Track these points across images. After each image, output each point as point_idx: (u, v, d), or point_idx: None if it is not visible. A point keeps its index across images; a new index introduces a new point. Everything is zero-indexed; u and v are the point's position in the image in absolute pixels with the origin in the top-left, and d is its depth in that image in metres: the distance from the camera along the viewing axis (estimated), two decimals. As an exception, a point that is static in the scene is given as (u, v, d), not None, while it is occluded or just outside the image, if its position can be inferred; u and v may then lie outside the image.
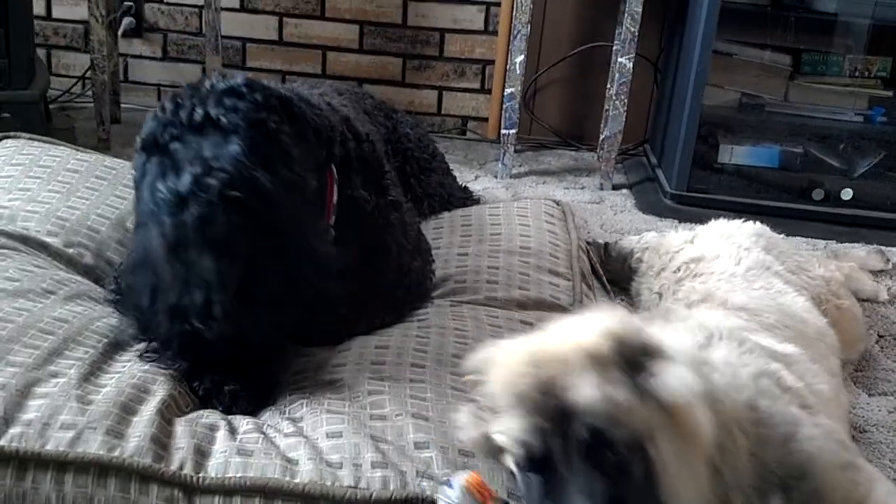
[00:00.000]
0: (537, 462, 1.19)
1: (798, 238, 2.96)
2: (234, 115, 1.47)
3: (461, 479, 1.23)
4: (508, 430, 1.21)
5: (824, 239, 3.06)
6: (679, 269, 2.09)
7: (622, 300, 2.39)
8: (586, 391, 1.16)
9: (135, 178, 1.52)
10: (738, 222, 2.26)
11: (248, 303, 1.45)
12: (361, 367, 1.55)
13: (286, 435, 1.37)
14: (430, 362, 1.59)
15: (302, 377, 1.55)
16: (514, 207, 2.39)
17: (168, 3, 3.82)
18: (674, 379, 1.19)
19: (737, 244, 2.10)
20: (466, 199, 2.64)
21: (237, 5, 3.77)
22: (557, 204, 2.47)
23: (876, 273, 2.77)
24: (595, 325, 1.25)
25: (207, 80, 1.56)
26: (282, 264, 1.49)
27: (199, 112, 1.47)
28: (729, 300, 1.82)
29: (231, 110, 1.48)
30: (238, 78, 1.56)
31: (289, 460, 1.31)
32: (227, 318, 1.42)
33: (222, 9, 3.42)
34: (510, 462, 1.27)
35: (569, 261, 2.16)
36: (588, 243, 2.53)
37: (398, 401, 1.46)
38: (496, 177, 3.40)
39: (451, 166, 2.76)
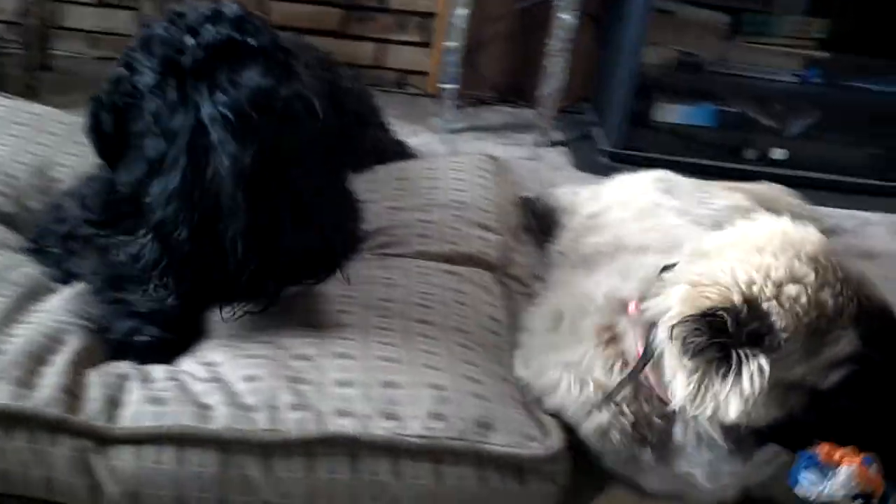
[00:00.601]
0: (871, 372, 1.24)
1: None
2: (261, 37, 1.43)
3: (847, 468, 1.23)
4: (839, 353, 1.24)
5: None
6: (578, 227, 2.11)
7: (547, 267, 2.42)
8: None
9: (154, 107, 1.44)
10: (640, 173, 2.28)
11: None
12: (284, 315, 1.54)
13: (201, 380, 1.36)
14: (357, 308, 1.60)
15: (221, 325, 1.53)
16: (449, 162, 2.39)
17: (101, -52, 3.70)
18: None
19: (630, 192, 2.13)
20: (402, 153, 2.61)
21: (173, -50, 3.66)
22: (493, 159, 2.47)
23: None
24: None
25: (194, 7, 1.50)
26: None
27: (219, 34, 1.42)
28: (622, 245, 1.84)
29: (252, 34, 1.43)
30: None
31: (203, 406, 1.31)
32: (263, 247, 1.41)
33: (158, -45, 3.32)
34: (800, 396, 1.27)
35: (499, 215, 2.16)
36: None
37: (321, 343, 1.47)
38: (435, 132, 3.38)
39: (390, 121, 2.74)
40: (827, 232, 2.84)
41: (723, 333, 1.25)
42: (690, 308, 1.29)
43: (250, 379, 1.37)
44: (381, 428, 1.32)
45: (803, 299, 1.23)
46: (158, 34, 1.46)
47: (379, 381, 1.39)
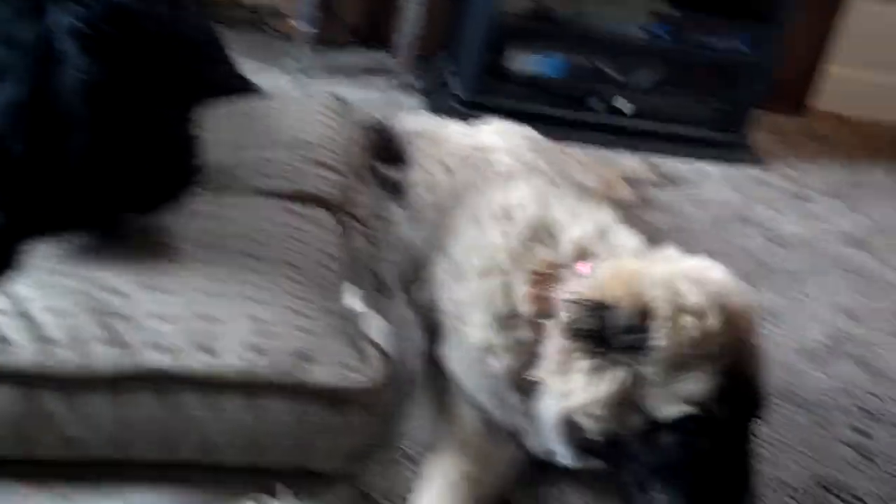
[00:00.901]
0: (708, 426, 1.22)
1: (578, 146, 3.10)
2: None
3: None
4: (693, 389, 1.22)
5: (604, 147, 3.21)
6: (465, 153, 2.13)
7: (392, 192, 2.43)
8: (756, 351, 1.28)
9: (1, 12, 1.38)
10: (512, 124, 2.34)
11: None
12: (98, 248, 1.50)
13: (5, 313, 1.30)
14: (182, 241, 1.56)
15: (31, 257, 1.48)
16: (294, 101, 2.36)
17: None
18: None
19: (514, 143, 2.18)
20: (247, 89, 2.55)
21: None
22: (339, 100, 2.45)
23: (648, 184, 2.97)
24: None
25: None
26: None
27: None
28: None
29: None
30: None
31: (5, 340, 1.26)
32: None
33: None
34: (639, 422, 1.26)
35: (340, 154, 2.15)
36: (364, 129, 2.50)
37: (135, 274, 1.43)
38: (288, 73, 3.33)
39: (242, 60, 2.67)
40: (668, 181, 3.02)
41: (609, 331, 1.27)
42: (599, 293, 1.31)
43: (57, 312, 1.32)
44: (194, 361, 1.31)
45: (692, 334, 1.24)
46: None
47: (196, 314, 1.37)
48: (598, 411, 1.26)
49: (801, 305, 2.37)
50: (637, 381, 1.24)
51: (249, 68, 2.85)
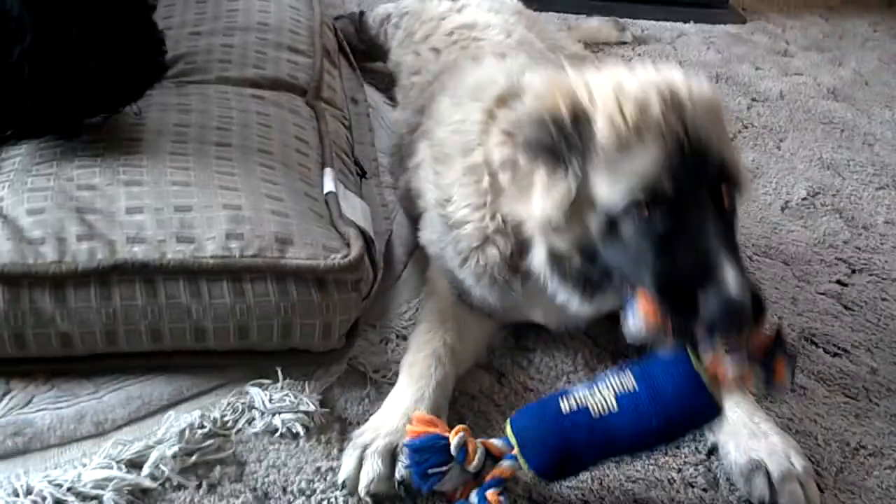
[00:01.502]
0: (664, 200, 1.21)
1: (551, 13, 3.04)
2: None
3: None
4: (637, 170, 1.22)
5: (582, 13, 3.14)
6: (452, 32, 2.08)
7: (369, 77, 2.40)
8: (718, 139, 1.25)
9: None
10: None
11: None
12: (70, 145, 1.49)
13: (-19, 217, 1.31)
14: (150, 135, 1.55)
15: (3, 161, 1.47)
16: (256, -18, 2.28)
17: None
18: None
19: (504, 18, 2.13)
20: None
21: None
22: (304, -22, 2.37)
23: (614, 45, 2.93)
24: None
25: None
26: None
27: None
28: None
29: None
30: None
31: (-15, 242, 1.27)
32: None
33: None
34: (598, 221, 1.26)
35: (311, 38, 2.11)
36: (338, 18, 2.47)
37: (109, 172, 1.43)
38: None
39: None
40: (636, 41, 2.98)
41: (555, 138, 1.27)
42: (539, 106, 1.30)
43: (35, 212, 1.33)
44: (175, 251, 1.31)
45: (630, 121, 1.23)
46: None
47: (172, 205, 1.38)
48: (558, 221, 1.27)
49: (781, 162, 2.37)
50: (587, 179, 1.25)
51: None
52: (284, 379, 1.36)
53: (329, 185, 1.61)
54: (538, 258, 1.33)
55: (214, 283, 1.33)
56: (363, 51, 2.44)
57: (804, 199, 2.21)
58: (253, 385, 1.35)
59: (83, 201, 1.36)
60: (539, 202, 1.29)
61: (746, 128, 2.54)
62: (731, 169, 1.26)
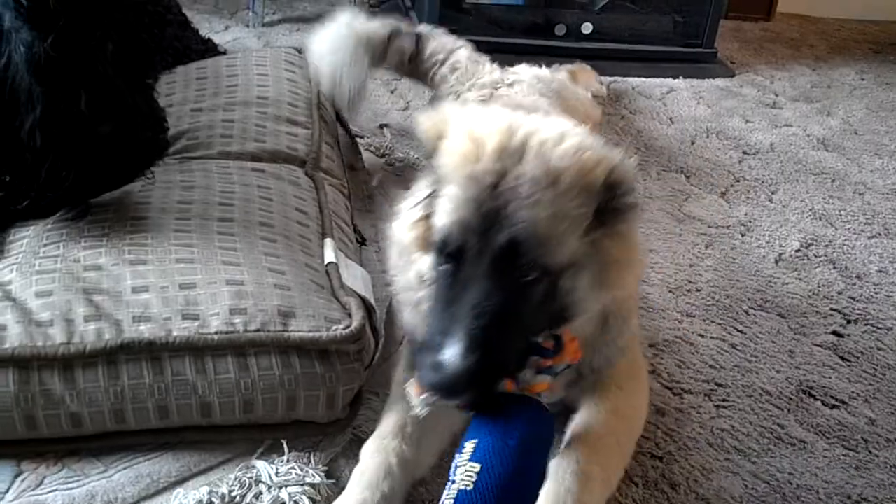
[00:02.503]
0: (451, 253, 1.20)
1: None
2: None
3: None
4: (444, 213, 1.20)
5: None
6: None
7: (366, 143, 2.44)
8: (533, 205, 1.17)
9: None
10: (547, 75, 2.37)
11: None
12: (77, 226, 1.53)
13: (-9, 300, 1.34)
14: (153, 213, 1.59)
15: (11, 244, 1.51)
16: (253, 57, 2.34)
17: None
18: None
19: (551, 107, 2.15)
20: (206, 50, 2.55)
21: None
22: (299, 52, 2.44)
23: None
24: (594, 150, 1.23)
25: None
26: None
27: None
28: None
29: None
30: None
31: (-3, 326, 1.30)
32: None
33: None
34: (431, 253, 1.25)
35: (308, 109, 2.16)
36: (398, 33, 2.38)
37: (115, 251, 1.46)
38: (248, 26, 3.30)
39: (200, 16, 2.67)
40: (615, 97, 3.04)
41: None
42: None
43: (43, 294, 1.36)
44: (181, 329, 1.35)
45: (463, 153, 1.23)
46: None
47: (176, 283, 1.41)
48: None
49: (774, 214, 2.41)
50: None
51: (210, 26, 2.84)
52: (290, 451, 1.38)
53: (329, 255, 1.64)
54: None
55: (219, 359, 1.36)
56: (410, 72, 2.44)
57: (797, 250, 2.24)
58: (259, 459, 1.37)
59: (90, 282, 1.39)
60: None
61: (738, 181, 2.59)
62: (528, 237, 1.18)
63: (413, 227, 1.28)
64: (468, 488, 1.14)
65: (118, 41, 1.65)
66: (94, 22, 1.47)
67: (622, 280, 1.30)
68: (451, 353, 1.14)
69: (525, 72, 2.35)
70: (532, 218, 1.18)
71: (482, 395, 1.19)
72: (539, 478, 1.23)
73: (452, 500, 1.14)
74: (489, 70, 2.34)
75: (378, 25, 2.33)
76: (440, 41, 2.41)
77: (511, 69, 2.35)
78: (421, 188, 1.32)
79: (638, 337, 1.59)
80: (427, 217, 1.27)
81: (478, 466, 1.15)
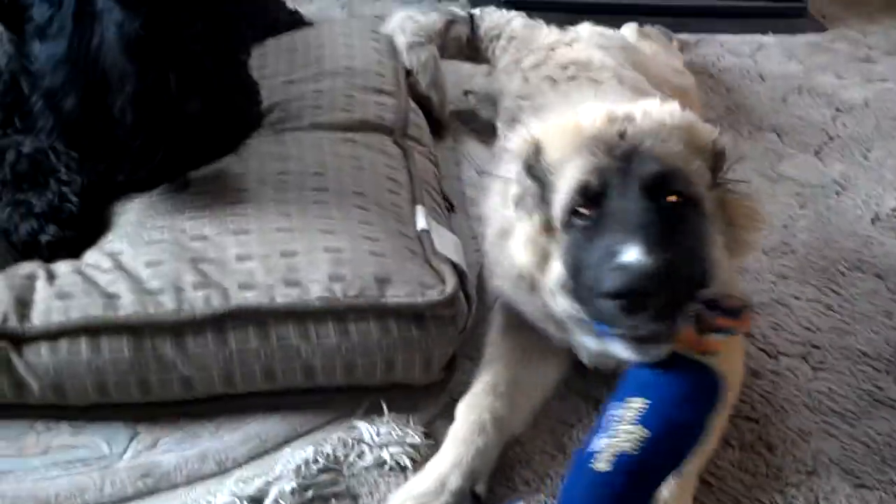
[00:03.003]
0: (593, 197, 1.25)
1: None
2: None
3: None
4: (569, 177, 1.27)
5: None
6: (567, 66, 2.07)
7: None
8: (666, 140, 1.27)
9: None
10: (609, 31, 2.34)
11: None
12: (180, 198, 1.59)
13: (105, 271, 1.41)
14: (253, 183, 1.64)
15: (121, 215, 1.58)
16: (338, 28, 2.38)
17: None
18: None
19: (614, 56, 2.13)
20: (294, 22, 2.58)
21: None
22: (383, 21, 2.45)
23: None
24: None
25: None
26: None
27: None
28: None
29: None
30: None
31: (110, 295, 1.36)
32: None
33: None
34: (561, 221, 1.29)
35: (395, 78, 2.19)
36: (453, 20, 2.45)
37: (218, 221, 1.52)
38: (332, -4, 3.32)
39: (283, -13, 2.69)
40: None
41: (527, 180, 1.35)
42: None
43: (153, 264, 1.42)
44: (283, 295, 1.40)
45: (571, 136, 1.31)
46: None
47: (278, 251, 1.46)
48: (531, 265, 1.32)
49: (870, 172, 2.34)
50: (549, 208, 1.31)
51: (294, -2, 2.87)
52: (390, 413, 1.43)
53: (422, 222, 1.67)
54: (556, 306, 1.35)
55: (321, 324, 1.40)
56: (471, 55, 2.47)
57: (894, 209, 2.18)
58: (360, 420, 1.42)
59: (196, 251, 1.45)
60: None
61: (832, 139, 2.51)
62: (669, 167, 1.25)
63: (529, 245, 1.33)
64: (634, 453, 1.11)
65: (208, 19, 1.70)
66: (184, 1, 1.51)
67: (747, 244, 1.35)
68: (635, 253, 1.15)
69: (585, 29, 2.31)
70: (668, 152, 1.27)
71: (673, 311, 1.17)
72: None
73: (614, 458, 1.11)
74: (546, 33, 2.31)
75: (434, 18, 2.38)
76: (492, 17, 2.43)
77: (571, 28, 2.31)
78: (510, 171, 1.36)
79: None
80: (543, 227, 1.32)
81: (647, 433, 1.12)
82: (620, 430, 1.13)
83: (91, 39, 1.42)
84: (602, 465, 1.11)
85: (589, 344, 1.35)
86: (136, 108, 1.47)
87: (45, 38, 1.47)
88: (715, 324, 1.19)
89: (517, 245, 1.35)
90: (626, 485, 1.11)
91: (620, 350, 1.22)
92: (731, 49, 3.13)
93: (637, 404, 1.15)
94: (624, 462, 1.11)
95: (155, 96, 1.48)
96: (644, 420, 1.13)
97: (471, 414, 1.37)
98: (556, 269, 1.31)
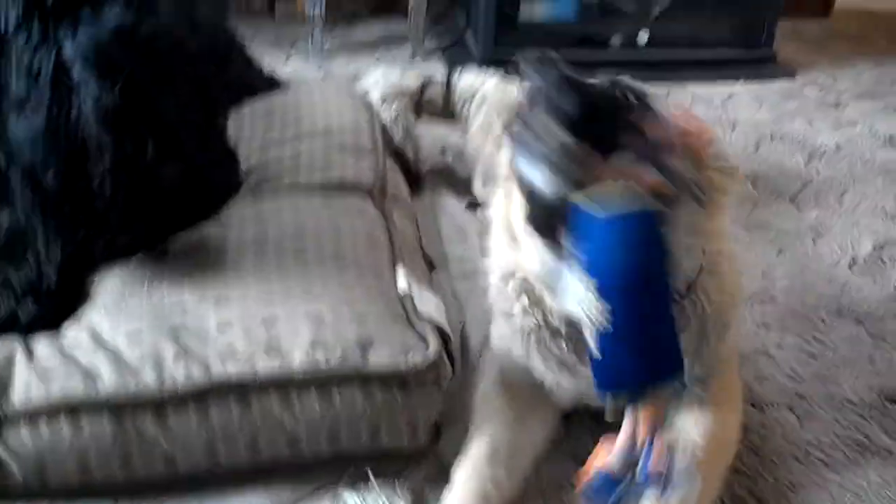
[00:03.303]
0: None
1: (600, 86, 3.09)
2: None
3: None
4: None
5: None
6: None
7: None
8: None
9: (19, 46, 1.44)
10: None
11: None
12: (159, 267, 1.58)
13: (84, 347, 1.39)
14: (231, 249, 1.63)
15: (99, 286, 1.56)
16: (314, 89, 2.40)
17: None
18: None
19: None
20: (270, 85, 2.59)
21: None
22: (354, 80, 2.48)
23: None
24: None
25: None
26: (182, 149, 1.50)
27: None
28: None
29: None
30: None
31: (90, 372, 1.34)
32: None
33: None
34: None
35: (372, 137, 2.20)
36: (428, 83, 2.46)
37: (198, 290, 1.51)
38: (307, 57, 3.36)
39: (261, 49, 2.72)
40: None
41: None
42: None
43: (133, 336, 1.41)
44: (265, 366, 1.38)
45: None
46: None
47: (258, 318, 1.45)
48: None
49: (845, 216, 2.37)
50: None
51: (269, 59, 2.90)
52: (376, 479, 1.41)
53: (402, 283, 1.67)
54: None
55: (303, 393, 1.39)
56: (447, 116, 2.47)
57: (871, 253, 2.20)
58: (347, 488, 1.40)
59: (176, 321, 1.44)
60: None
61: (806, 185, 2.55)
62: None
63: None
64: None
65: (183, 86, 1.72)
66: (160, 70, 1.52)
67: (713, 224, 1.33)
68: None
69: None
70: None
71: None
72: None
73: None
74: (516, 93, 2.32)
75: (409, 78, 2.40)
76: (467, 79, 2.43)
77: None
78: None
79: (737, 353, 1.59)
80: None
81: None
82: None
83: (69, 111, 1.43)
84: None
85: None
86: (114, 178, 1.47)
87: (23, 113, 1.47)
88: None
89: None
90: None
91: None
92: (701, 98, 3.19)
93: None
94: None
95: (133, 165, 1.48)
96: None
97: (471, 481, 1.35)
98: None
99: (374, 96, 2.35)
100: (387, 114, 2.31)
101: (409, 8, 3.44)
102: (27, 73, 1.43)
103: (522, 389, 1.49)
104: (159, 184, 1.53)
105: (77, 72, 1.40)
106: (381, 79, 2.40)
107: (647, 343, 1.14)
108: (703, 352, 1.40)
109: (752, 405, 1.65)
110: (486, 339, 1.74)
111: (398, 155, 2.28)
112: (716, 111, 3.09)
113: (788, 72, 3.48)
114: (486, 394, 1.52)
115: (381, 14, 3.79)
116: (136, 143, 1.48)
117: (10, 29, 1.42)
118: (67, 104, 1.42)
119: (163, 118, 1.52)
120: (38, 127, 1.43)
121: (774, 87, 3.33)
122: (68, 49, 1.39)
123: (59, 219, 1.55)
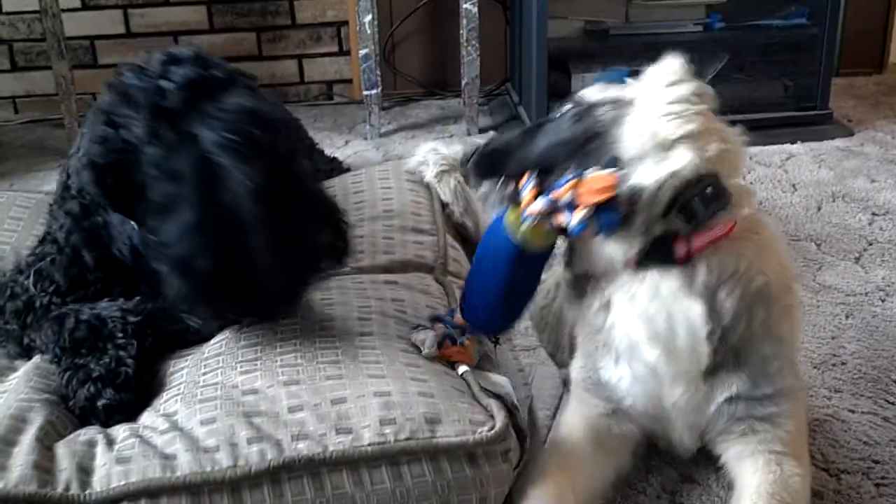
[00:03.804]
0: None
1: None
2: (222, 69, 1.54)
3: None
4: None
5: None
6: None
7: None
8: None
9: (153, 154, 1.51)
10: None
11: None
12: (231, 353, 1.63)
13: (162, 433, 1.44)
14: (299, 332, 1.68)
15: (175, 374, 1.62)
16: (374, 172, 2.46)
17: (7, 13, 3.73)
18: None
19: None
20: (333, 169, 2.69)
21: (79, 5, 3.71)
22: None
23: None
24: None
25: (148, 57, 1.59)
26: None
27: (190, 72, 1.50)
28: None
29: (214, 67, 1.54)
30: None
31: (167, 457, 1.38)
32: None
33: (65, 10, 3.37)
34: None
35: (432, 216, 2.25)
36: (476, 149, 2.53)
37: (269, 374, 1.55)
38: (366, 138, 3.46)
39: (321, 133, 2.83)
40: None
41: None
42: None
43: (207, 422, 1.45)
44: (336, 443, 1.41)
45: None
46: (134, 85, 1.53)
47: (328, 399, 1.48)
48: None
49: (914, 275, 2.33)
50: None
51: (331, 142, 3.01)
52: (448, 557, 1.41)
53: (462, 367, 1.68)
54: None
55: (374, 470, 1.41)
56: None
57: (945, 312, 2.16)
58: (419, 566, 1.40)
59: (249, 405, 1.48)
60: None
61: (871, 244, 2.52)
62: None
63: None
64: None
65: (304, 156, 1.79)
66: (289, 143, 1.62)
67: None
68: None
69: None
70: None
71: None
72: None
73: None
74: None
75: (457, 149, 2.44)
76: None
77: None
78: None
79: (804, 402, 1.59)
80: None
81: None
82: None
83: (220, 200, 1.48)
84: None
85: None
86: (277, 250, 1.52)
87: (167, 213, 1.52)
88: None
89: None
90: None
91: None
92: (760, 160, 3.18)
93: None
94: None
95: (293, 235, 1.55)
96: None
97: None
98: None
99: (427, 173, 2.40)
100: (446, 189, 2.36)
101: (462, 86, 3.53)
102: (169, 176, 1.50)
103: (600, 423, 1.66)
104: (316, 248, 1.61)
105: (222, 158, 1.46)
106: (430, 154, 2.44)
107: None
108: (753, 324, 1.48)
109: (827, 472, 1.62)
110: (554, 410, 1.75)
111: (457, 228, 2.32)
112: (775, 172, 3.08)
113: (846, 130, 3.46)
114: (567, 425, 1.68)
115: (435, 94, 3.89)
116: (288, 211, 1.54)
117: (142, 140, 1.50)
118: (217, 193, 1.48)
119: (304, 186, 1.61)
120: (190, 221, 1.49)
121: (833, 146, 3.31)
122: (209, 139, 1.46)
123: (211, 299, 1.59)
